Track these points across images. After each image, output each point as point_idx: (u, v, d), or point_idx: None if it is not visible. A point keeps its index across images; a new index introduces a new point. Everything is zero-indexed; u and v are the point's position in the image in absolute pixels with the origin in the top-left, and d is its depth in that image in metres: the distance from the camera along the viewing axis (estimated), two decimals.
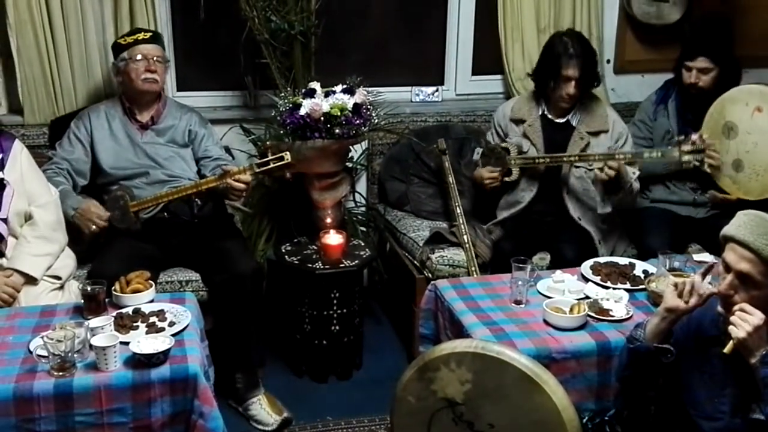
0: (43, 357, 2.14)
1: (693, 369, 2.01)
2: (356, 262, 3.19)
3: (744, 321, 1.82)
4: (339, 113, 3.06)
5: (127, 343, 2.19)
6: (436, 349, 2.02)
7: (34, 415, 2.07)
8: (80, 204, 2.99)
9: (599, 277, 2.71)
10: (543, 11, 3.85)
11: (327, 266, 3.15)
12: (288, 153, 2.92)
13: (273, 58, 3.47)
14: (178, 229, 3.10)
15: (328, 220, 3.27)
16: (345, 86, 3.17)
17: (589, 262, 2.83)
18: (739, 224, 1.87)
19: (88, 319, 2.33)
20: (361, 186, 3.88)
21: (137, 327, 2.36)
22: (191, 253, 3.08)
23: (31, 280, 2.70)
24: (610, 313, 2.45)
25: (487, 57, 4.00)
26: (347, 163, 3.45)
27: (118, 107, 3.21)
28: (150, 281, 2.60)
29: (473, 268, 3.17)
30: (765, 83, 3.29)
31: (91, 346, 2.18)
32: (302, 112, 3.08)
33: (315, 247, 3.27)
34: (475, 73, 4.05)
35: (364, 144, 3.74)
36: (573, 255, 3.02)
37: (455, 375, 1.97)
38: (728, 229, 1.89)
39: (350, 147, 3.35)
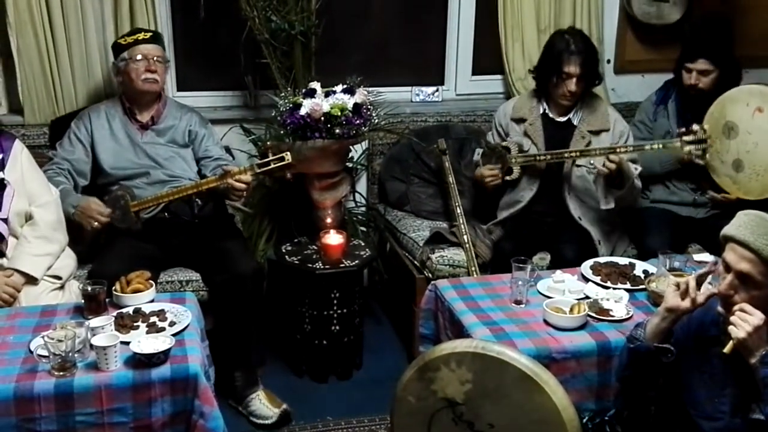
0: (44, 357, 2.14)
1: (693, 369, 2.01)
2: (356, 262, 3.19)
3: (744, 321, 1.82)
4: (339, 113, 3.06)
5: (127, 343, 2.19)
6: (436, 349, 2.02)
7: (34, 415, 2.07)
8: (80, 201, 2.99)
9: (599, 277, 2.71)
10: (543, 11, 3.85)
11: (327, 266, 3.15)
12: (288, 153, 2.92)
13: (273, 58, 3.47)
14: (178, 229, 3.10)
15: (329, 220, 3.27)
16: (345, 86, 3.17)
17: (589, 262, 2.83)
18: (740, 224, 1.87)
19: (89, 319, 2.33)
20: (362, 186, 3.88)
21: (138, 327, 2.36)
22: (192, 253, 3.08)
23: (31, 280, 2.70)
24: (610, 313, 2.45)
25: (488, 57, 4.00)
26: (347, 163, 3.44)
27: (118, 107, 3.21)
28: (150, 281, 2.60)
29: (473, 268, 3.17)
30: (765, 83, 3.29)
31: (91, 345, 2.18)
32: (302, 112, 3.08)
33: (315, 247, 3.27)
34: (475, 73, 4.05)
35: (365, 144, 3.74)
36: (573, 255, 3.02)
37: (455, 375, 1.97)
38: (728, 229, 1.89)
39: (350, 147, 3.35)
